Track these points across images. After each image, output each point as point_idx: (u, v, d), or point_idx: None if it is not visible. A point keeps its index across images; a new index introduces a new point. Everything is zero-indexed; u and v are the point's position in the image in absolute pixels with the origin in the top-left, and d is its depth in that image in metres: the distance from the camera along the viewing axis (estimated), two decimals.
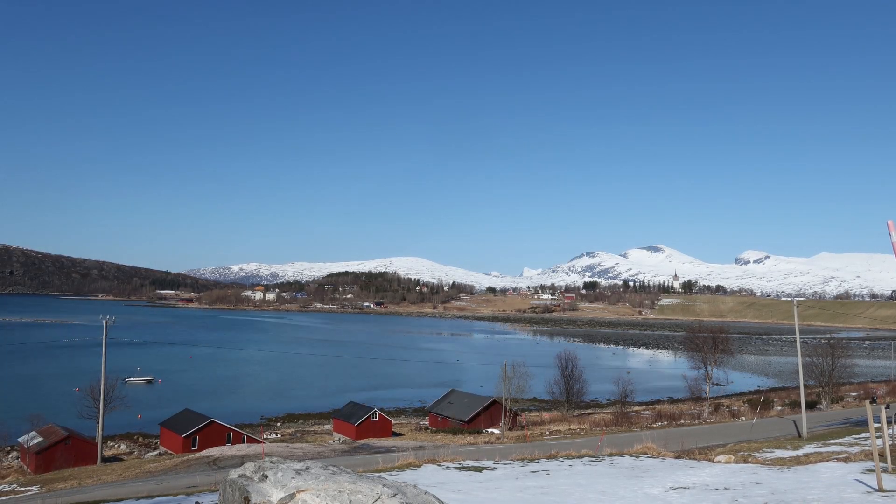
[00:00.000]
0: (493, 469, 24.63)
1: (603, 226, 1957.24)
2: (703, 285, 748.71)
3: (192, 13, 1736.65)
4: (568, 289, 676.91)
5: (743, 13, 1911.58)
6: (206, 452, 59.06)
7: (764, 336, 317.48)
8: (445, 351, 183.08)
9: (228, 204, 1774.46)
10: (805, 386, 60.45)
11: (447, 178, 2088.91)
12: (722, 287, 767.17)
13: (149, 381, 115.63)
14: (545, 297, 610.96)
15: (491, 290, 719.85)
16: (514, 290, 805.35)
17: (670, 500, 17.66)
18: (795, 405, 73.40)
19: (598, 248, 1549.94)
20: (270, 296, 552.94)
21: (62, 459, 58.33)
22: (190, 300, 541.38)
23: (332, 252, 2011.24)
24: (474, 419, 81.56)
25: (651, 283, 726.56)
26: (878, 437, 21.02)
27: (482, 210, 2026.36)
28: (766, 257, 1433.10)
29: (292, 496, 7.20)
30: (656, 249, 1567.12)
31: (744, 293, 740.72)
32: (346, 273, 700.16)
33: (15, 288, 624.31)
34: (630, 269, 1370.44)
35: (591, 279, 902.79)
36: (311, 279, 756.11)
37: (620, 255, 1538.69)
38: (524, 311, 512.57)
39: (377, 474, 19.88)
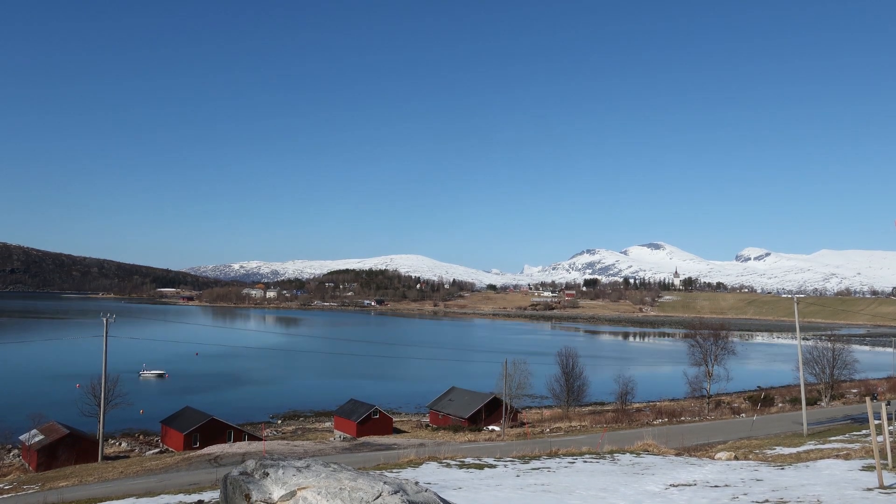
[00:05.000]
0: (494, 466, 24.65)
1: (603, 223, 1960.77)
2: (704, 282, 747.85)
3: (196, 13, 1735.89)
4: (569, 286, 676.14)
5: (745, 11, 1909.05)
6: (207, 450, 59.12)
7: (765, 333, 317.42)
8: (446, 348, 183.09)
9: (229, 202, 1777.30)
10: (806, 383, 60.43)
11: (447, 176, 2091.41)
12: (723, 284, 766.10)
13: (159, 376, 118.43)
14: (546, 294, 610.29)
15: (492, 287, 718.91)
16: (515, 287, 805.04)
17: (671, 496, 17.65)
18: (796, 402, 73.42)
19: (599, 245, 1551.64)
20: (271, 294, 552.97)
21: (63, 457, 58.42)
22: (190, 298, 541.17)
23: (332, 250, 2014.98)
24: (475, 416, 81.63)
25: (652, 281, 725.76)
26: (878, 434, 21.01)
27: (483, 208, 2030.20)
28: (767, 254, 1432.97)
29: (293, 493, 7.21)
30: (657, 246, 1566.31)
31: (744, 290, 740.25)
32: (347, 271, 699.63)
33: (16, 286, 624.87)
34: (630, 266, 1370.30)
35: (592, 276, 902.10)
36: (312, 277, 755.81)
37: (621, 253, 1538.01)
38: (525, 309, 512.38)
39: (378, 472, 19.88)
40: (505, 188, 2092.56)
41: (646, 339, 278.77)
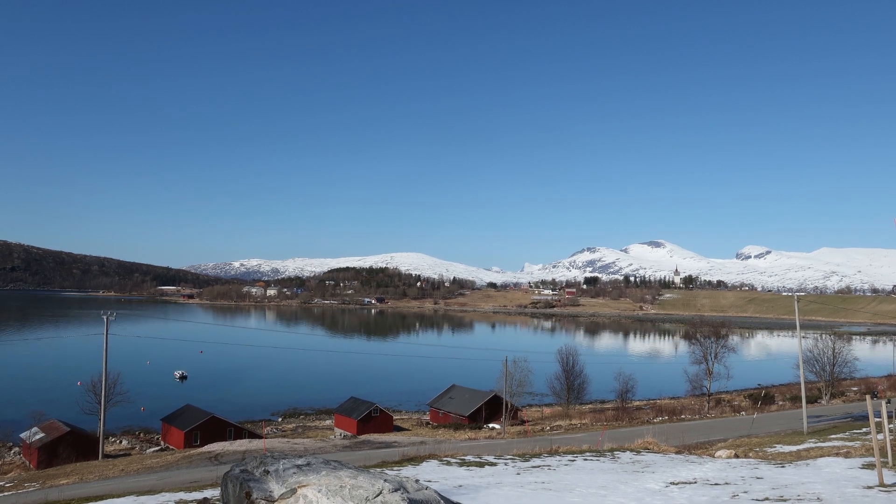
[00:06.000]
0: (494, 464, 24.66)
1: (603, 221, 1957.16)
2: (704, 280, 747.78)
3: (195, 13, 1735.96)
4: (569, 284, 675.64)
5: (745, 12, 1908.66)
6: (207, 448, 59.17)
7: (765, 331, 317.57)
8: (446, 346, 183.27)
9: (230, 200, 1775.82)
10: (806, 381, 60.45)
11: (448, 174, 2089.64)
12: (723, 282, 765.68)
13: (182, 377, 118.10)
14: (546, 292, 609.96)
15: (492, 285, 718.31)
16: (516, 285, 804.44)
17: (671, 494, 17.65)
18: (796, 400, 73.46)
19: (599, 243, 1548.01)
20: (271, 292, 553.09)
21: (64, 455, 58.51)
22: (191, 296, 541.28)
23: (332, 248, 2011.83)
24: (475, 414, 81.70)
25: (652, 279, 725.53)
26: (878, 432, 21.00)
27: (483, 206, 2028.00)
28: (768, 252, 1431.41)
29: (293, 491, 7.21)
30: (657, 244, 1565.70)
31: (745, 288, 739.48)
32: (347, 269, 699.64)
33: (16, 284, 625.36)
34: (631, 264, 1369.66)
35: (592, 274, 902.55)
36: (312, 275, 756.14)
37: (621, 251, 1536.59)
38: (525, 307, 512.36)
39: (378, 469, 19.89)
40: (505, 186, 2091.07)
41: (646, 337, 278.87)
